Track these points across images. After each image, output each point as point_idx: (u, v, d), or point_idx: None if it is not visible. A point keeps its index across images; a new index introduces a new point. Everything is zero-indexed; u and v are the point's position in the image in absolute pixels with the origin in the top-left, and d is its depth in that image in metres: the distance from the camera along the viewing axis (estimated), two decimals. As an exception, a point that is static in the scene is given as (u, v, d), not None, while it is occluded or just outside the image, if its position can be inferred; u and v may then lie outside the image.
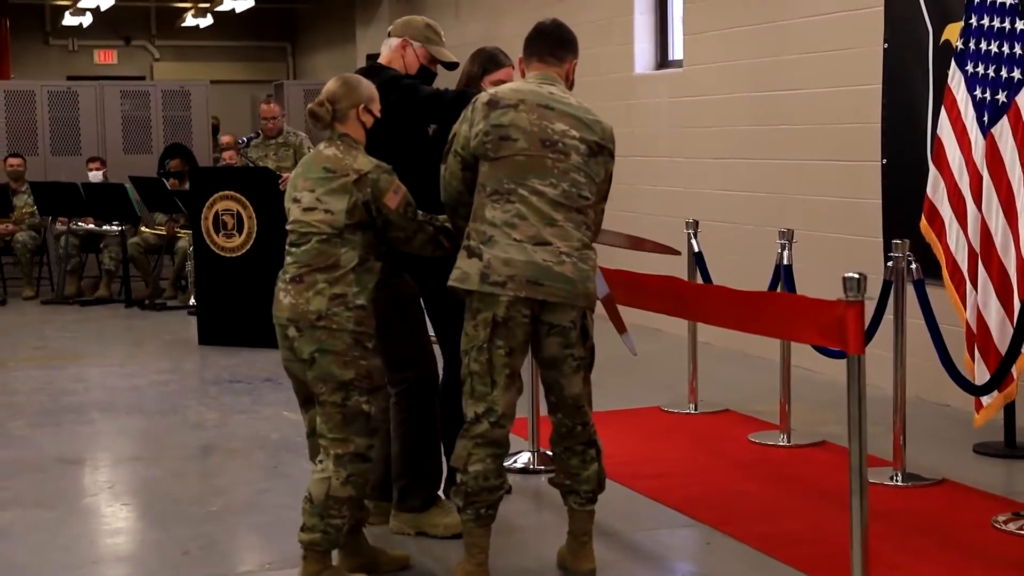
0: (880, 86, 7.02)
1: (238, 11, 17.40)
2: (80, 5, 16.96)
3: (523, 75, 4.35)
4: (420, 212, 4.26)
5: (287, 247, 4.18)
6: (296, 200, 4.16)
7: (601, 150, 4.17)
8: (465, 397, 4.13)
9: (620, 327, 4.74)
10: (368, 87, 4.26)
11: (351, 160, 4.13)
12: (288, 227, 4.19)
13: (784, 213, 7.77)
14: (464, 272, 4.07)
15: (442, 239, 4.33)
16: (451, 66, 4.89)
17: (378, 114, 4.26)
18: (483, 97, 4.20)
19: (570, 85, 4.34)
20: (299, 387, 4.25)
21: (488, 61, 5.01)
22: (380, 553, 4.40)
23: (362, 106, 4.20)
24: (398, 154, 4.45)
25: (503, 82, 4.84)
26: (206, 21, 18.77)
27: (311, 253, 4.07)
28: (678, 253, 6.03)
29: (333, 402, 4.05)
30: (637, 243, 5.54)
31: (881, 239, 6.92)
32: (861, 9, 7.20)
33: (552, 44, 4.31)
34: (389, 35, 4.81)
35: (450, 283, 4.11)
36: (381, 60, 4.78)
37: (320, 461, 4.12)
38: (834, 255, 7.35)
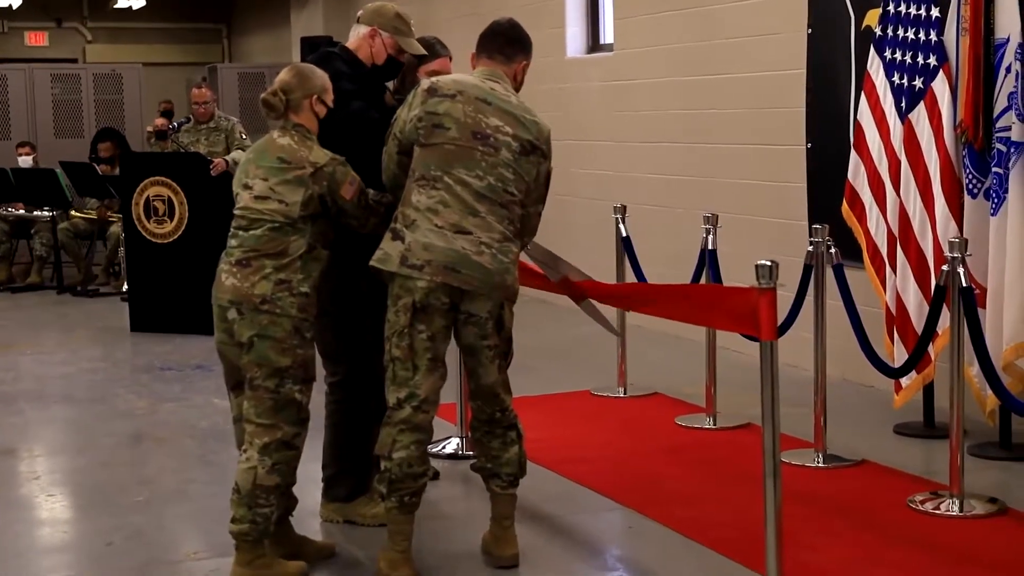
0: (804, 71, 7.10)
1: (172, -8, 17.20)
2: (10, -14, 16.73)
3: (473, 63, 4.39)
4: (371, 191, 4.32)
5: (233, 230, 4.20)
6: (247, 187, 4.19)
7: (534, 150, 4.23)
8: (388, 383, 4.16)
9: (579, 296, 4.84)
10: (321, 77, 4.29)
11: (306, 152, 4.17)
12: (237, 211, 4.21)
13: (712, 197, 7.85)
14: (386, 253, 4.12)
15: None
16: (420, 59, 4.85)
17: (331, 104, 4.29)
18: (424, 84, 4.25)
19: (518, 86, 4.37)
20: (230, 371, 4.26)
21: (425, 50, 5.00)
22: (306, 542, 4.43)
23: (315, 96, 4.24)
24: (348, 139, 4.44)
25: (438, 72, 4.85)
26: (139, 2, 18.54)
27: (261, 239, 4.10)
28: (617, 334, 6.21)
29: (266, 387, 4.07)
30: (563, 281, 5.02)
31: (806, 223, 7.01)
32: (786, -6, 7.28)
33: (502, 43, 4.36)
34: (358, 21, 4.78)
35: (372, 263, 4.15)
36: (349, 45, 4.75)
37: (245, 450, 4.13)
38: (760, 239, 7.44)
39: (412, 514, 4.19)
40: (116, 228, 11.06)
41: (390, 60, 4.75)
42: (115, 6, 18.97)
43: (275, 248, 4.09)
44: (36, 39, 19.93)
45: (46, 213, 11.54)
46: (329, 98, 4.29)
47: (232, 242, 4.19)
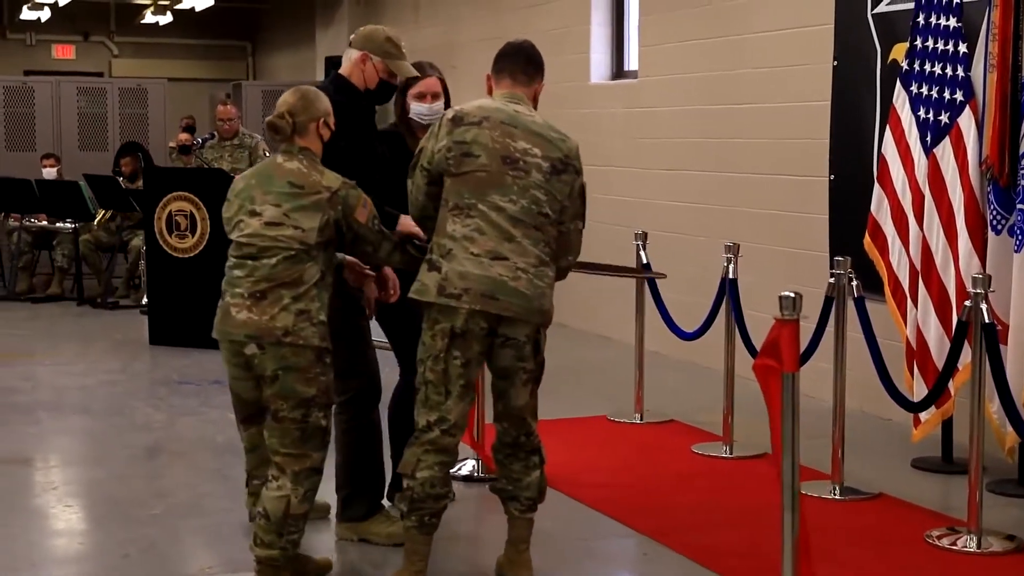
0: (829, 103, 7.11)
1: (198, 9, 17.33)
2: (39, 0, 16.86)
3: (490, 90, 4.35)
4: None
5: (237, 260, 4.09)
6: (255, 213, 4.08)
7: (566, 168, 4.21)
8: (418, 405, 4.16)
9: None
10: (325, 101, 4.25)
11: (318, 177, 4.11)
12: (242, 240, 4.09)
13: (733, 226, 7.85)
14: (423, 284, 4.11)
15: (408, 247, 4.35)
16: (412, 81, 4.89)
17: (334, 127, 4.27)
18: (448, 113, 4.22)
19: (534, 108, 4.36)
20: (243, 406, 4.25)
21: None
22: (306, 560, 4.41)
23: (321, 120, 4.20)
24: (353, 163, 4.45)
25: (424, 94, 4.98)
26: (166, 18, 18.68)
27: (276, 268, 4.01)
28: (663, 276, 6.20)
29: (292, 418, 4.03)
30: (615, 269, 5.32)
31: (828, 254, 7.00)
32: (812, 26, 7.29)
33: (523, 63, 4.34)
34: (350, 45, 4.78)
35: (410, 295, 4.15)
36: (342, 71, 4.76)
37: (275, 478, 4.08)
38: (781, 269, 7.44)
39: (431, 535, 4.19)
40: (137, 241, 11.11)
41: (382, 84, 4.71)
42: (142, 21, 19.11)
43: (291, 277, 4.01)
44: (63, 52, 20.09)
45: (68, 225, 11.60)
46: (332, 121, 4.25)
47: (237, 272, 4.07)
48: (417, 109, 4.97)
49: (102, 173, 11.77)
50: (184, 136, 12.06)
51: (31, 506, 5.44)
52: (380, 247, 4.24)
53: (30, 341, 9.57)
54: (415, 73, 4.80)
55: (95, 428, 6.82)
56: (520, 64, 4.34)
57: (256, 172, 4.23)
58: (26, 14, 18.06)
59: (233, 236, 4.13)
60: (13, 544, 4.85)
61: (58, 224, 11.68)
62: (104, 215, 11.61)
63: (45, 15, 18.10)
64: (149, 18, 18.84)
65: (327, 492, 4.75)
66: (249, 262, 4.05)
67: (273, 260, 4.02)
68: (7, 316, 10.75)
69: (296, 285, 4.02)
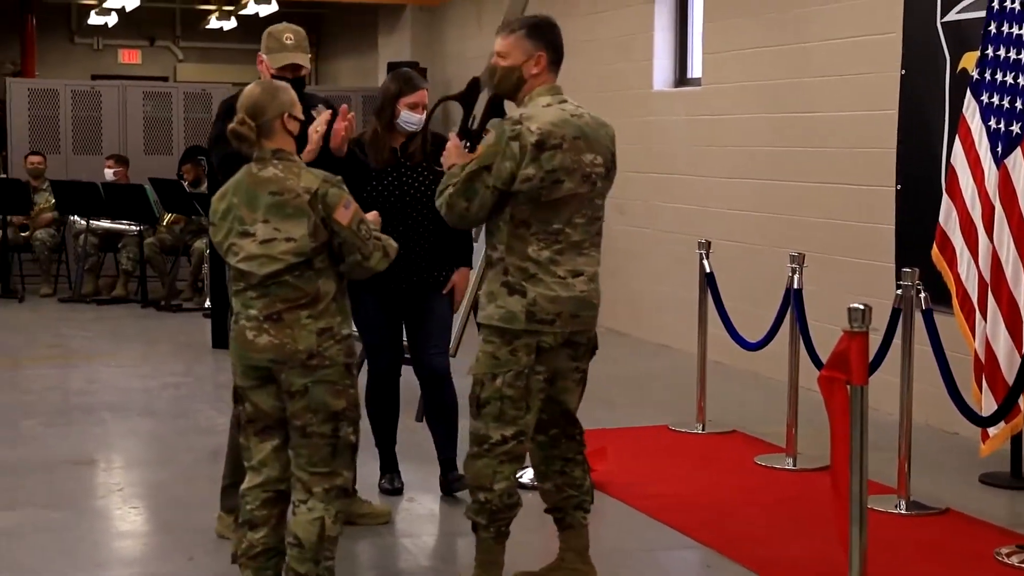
0: (896, 112, 7.03)
1: (262, 15, 17.46)
2: (106, 5, 17.06)
3: (539, 68, 4.08)
4: (370, 220, 3.94)
5: (243, 286, 3.83)
6: (247, 234, 3.81)
7: (614, 165, 4.22)
8: (489, 419, 4.05)
9: None
10: (285, 94, 3.91)
11: (295, 179, 3.80)
12: (241, 265, 3.81)
13: (797, 235, 7.79)
14: (509, 311, 4.01)
15: (389, 250, 3.96)
16: (291, 68, 4.67)
17: (302, 117, 3.95)
18: (530, 138, 3.96)
19: None
20: (261, 416, 3.90)
21: (404, 83, 5.21)
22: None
23: (285, 114, 3.86)
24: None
25: (416, 104, 5.10)
26: (230, 24, 18.86)
27: (285, 288, 3.78)
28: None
29: (322, 433, 3.81)
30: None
31: (894, 265, 6.93)
32: (879, 35, 7.22)
33: (561, 54, 4.17)
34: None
35: (494, 322, 4.02)
36: None
37: (302, 501, 3.83)
38: (846, 280, 7.37)
39: (504, 543, 4.18)
40: (200, 244, 11.22)
41: (283, 80, 4.45)
42: (206, 27, 19.32)
43: (307, 297, 3.78)
44: (130, 57, 20.35)
45: (134, 228, 11.74)
46: (299, 111, 3.91)
47: (249, 294, 3.81)
48: (408, 118, 5.16)
49: (167, 177, 11.90)
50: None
51: (96, 507, 5.50)
52: (371, 256, 3.85)
53: (94, 343, 9.69)
54: (285, 62, 4.68)
55: (159, 430, 6.89)
56: (561, 55, 4.15)
57: (235, 188, 3.89)
58: (94, 19, 18.31)
59: (231, 262, 3.86)
60: (78, 545, 4.91)
61: (123, 226, 11.82)
62: (169, 218, 11.76)
63: (112, 20, 18.33)
64: (213, 23, 19.04)
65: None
66: (258, 288, 3.80)
67: (280, 280, 3.77)
68: (73, 318, 10.89)
69: (313, 304, 3.79)
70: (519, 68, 4.09)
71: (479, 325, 4.15)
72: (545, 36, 4.12)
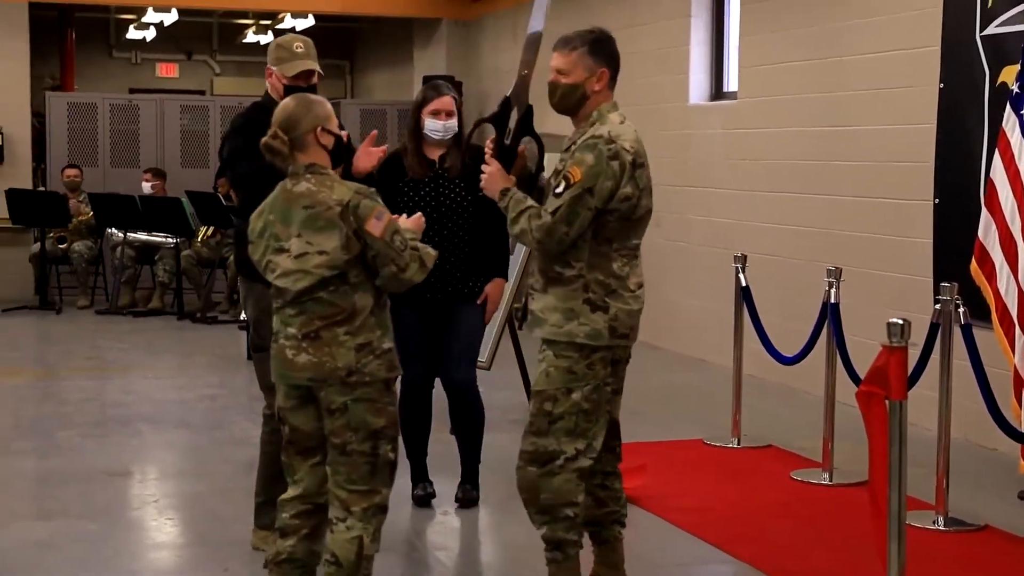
0: (935, 126, 6.99)
1: (298, 29, 17.57)
2: (144, 20, 17.19)
3: (602, 85, 4.06)
4: (408, 231, 3.87)
5: (281, 303, 3.82)
6: (283, 250, 3.80)
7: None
8: (561, 433, 3.99)
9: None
10: (320, 107, 3.88)
11: (328, 192, 3.77)
12: (279, 282, 3.80)
13: (834, 249, 7.74)
14: (595, 329, 3.98)
15: (427, 260, 3.89)
16: (305, 76, 4.69)
17: (338, 131, 3.91)
18: (627, 156, 3.95)
19: None
20: (302, 437, 3.89)
21: (429, 89, 5.32)
22: None
23: (319, 128, 3.83)
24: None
25: (439, 111, 5.18)
26: (267, 38, 18.96)
27: (321, 304, 3.75)
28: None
29: (362, 451, 3.79)
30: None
31: (931, 279, 6.87)
32: (918, 48, 7.17)
33: (619, 68, 4.14)
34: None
35: (580, 339, 3.97)
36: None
37: (341, 519, 3.80)
38: (883, 294, 7.32)
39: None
40: (237, 257, 11.26)
41: (289, 89, 4.52)
42: (243, 41, 19.43)
43: (344, 314, 3.75)
44: (167, 71, 20.48)
45: (170, 240, 11.81)
46: (334, 125, 3.87)
47: (289, 311, 3.80)
48: (431, 126, 5.22)
49: (203, 190, 11.96)
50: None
51: (131, 518, 5.52)
52: (407, 268, 3.78)
53: (131, 354, 9.74)
54: (300, 69, 4.69)
55: (195, 442, 6.91)
56: (619, 69, 4.12)
57: (271, 206, 3.87)
58: (132, 33, 18.45)
59: (269, 279, 3.86)
60: (114, 556, 4.93)
61: (160, 239, 11.89)
62: (206, 231, 11.82)
63: (150, 35, 18.47)
64: (250, 37, 19.16)
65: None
66: (295, 305, 3.79)
67: (316, 296, 3.75)
68: (110, 329, 10.97)
69: (351, 320, 3.75)
70: (582, 85, 4.06)
71: (545, 341, 4.03)
72: (606, 51, 4.09)
